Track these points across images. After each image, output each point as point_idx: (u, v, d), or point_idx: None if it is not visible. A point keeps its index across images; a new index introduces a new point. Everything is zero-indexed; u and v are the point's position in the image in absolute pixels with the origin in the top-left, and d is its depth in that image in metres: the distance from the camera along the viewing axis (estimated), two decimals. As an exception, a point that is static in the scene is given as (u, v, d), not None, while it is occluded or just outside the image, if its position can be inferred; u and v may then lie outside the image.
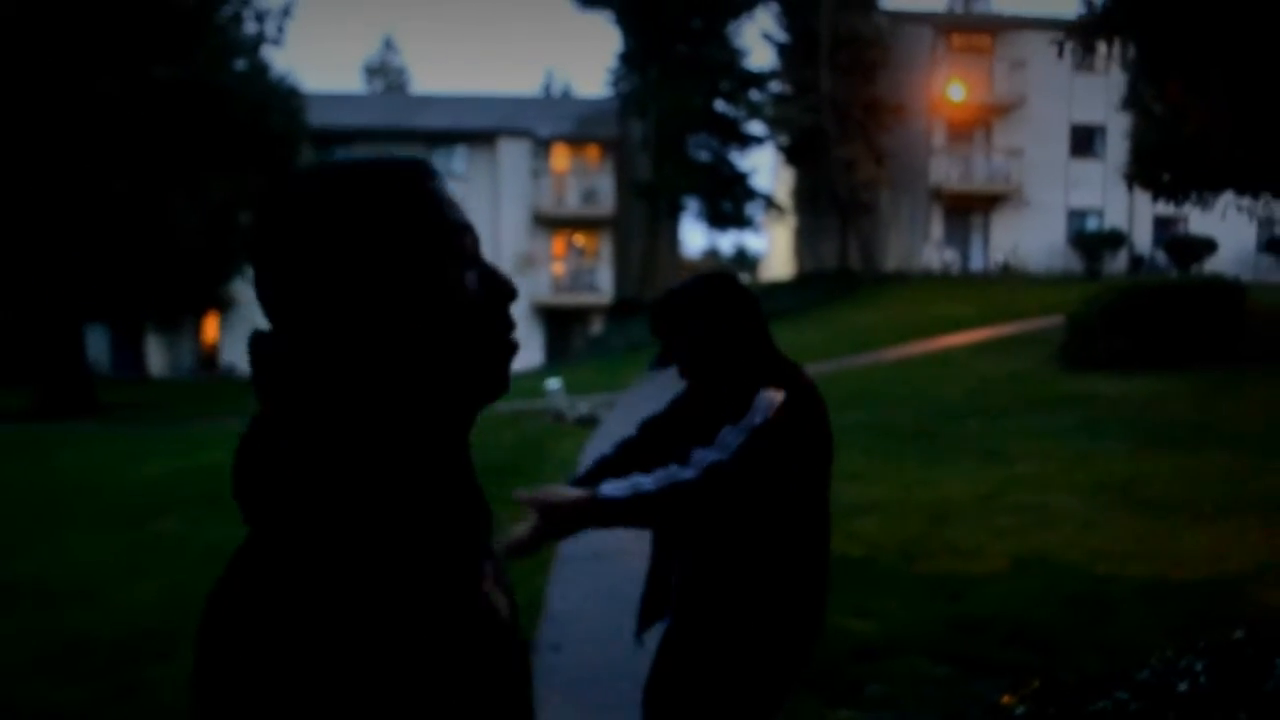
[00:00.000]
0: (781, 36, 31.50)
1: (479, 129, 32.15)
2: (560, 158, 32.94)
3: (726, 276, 2.39)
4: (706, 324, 2.27)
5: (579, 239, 33.22)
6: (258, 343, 0.87)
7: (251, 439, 0.85)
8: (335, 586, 0.76)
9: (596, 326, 31.76)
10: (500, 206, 31.76)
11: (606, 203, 32.32)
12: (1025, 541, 6.58)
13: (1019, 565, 6.08)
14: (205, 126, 16.05)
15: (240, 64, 18.95)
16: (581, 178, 32.63)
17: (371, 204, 0.85)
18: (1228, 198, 14.42)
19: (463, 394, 0.89)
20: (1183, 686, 2.97)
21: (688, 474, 2.04)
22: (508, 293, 0.91)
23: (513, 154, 32.04)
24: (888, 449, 9.99)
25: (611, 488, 2.00)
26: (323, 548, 0.78)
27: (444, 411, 0.88)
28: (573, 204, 32.38)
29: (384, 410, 0.84)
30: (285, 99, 20.04)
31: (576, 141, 33.01)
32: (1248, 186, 13.76)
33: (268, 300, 0.86)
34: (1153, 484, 8.05)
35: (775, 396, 2.15)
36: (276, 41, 19.92)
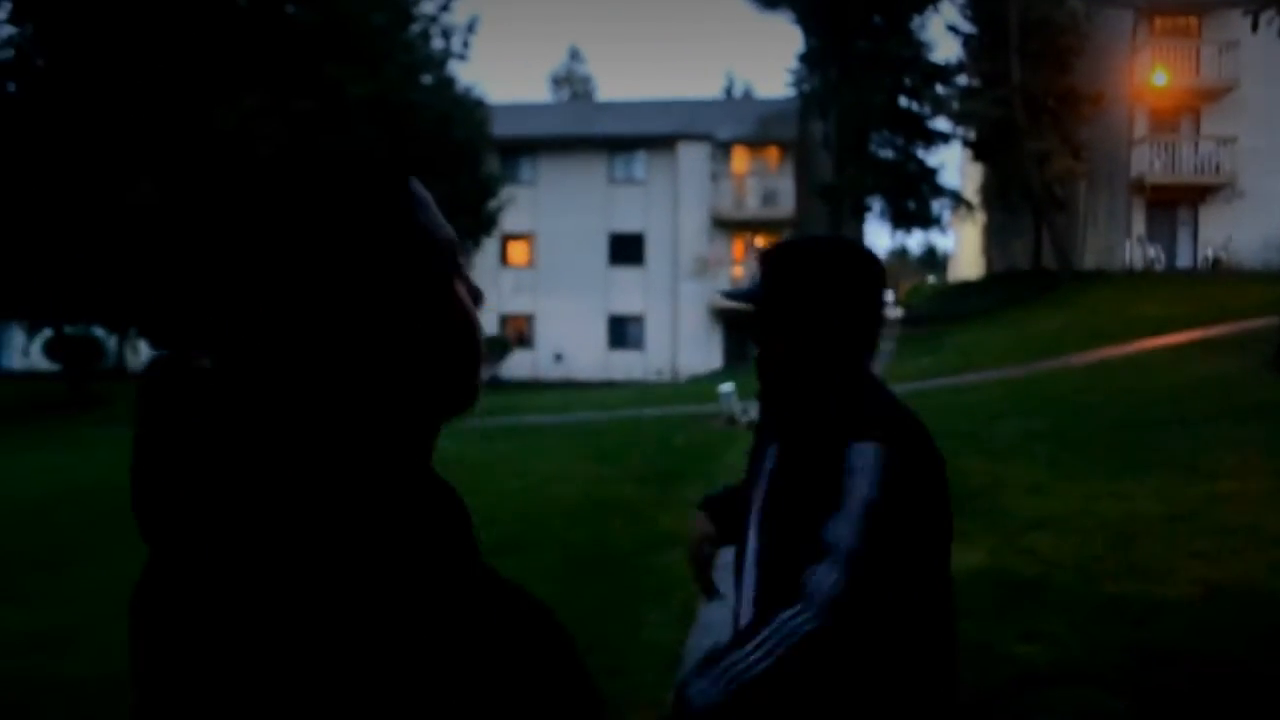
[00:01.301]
0: (967, 27, 30.43)
1: (658, 134, 32.41)
2: (740, 160, 32.83)
3: (863, 254, 1.88)
4: (809, 296, 1.80)
5: (759, 241, 33.01)
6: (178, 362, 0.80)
7: (177, 463, 0.76)
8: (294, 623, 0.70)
9: (776, 330, 31.44)
10: (679, 210, 31.92)
11: (787, 204, 31.99)
12: (1224, 566, 6.02)
13: (1215, 592, 5.55)
14: (393, 139, 16.75)
15: (427, 78, 19.69)
16: (761, 179, 32.41)
17: (385, 218, 0.81)
18: None
19: (444, 408, 0.85)
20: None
21: (803, 620, 1.58)
22: (477, 300, 0.89)
23: (692, 157, 32.14)
24: (1073, 460, 9.40)
25: (705, 683, 1.60)
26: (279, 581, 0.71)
27: (424, 429, 0.84)
28: (752, 206, 32.21)
29: (359, 424, 0.78)
30: (470, 111, 20.73)
31: (756, 143, 32.82)
32: None
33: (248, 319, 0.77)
34: (1376, 504, 7.27)
35: (874, 451, 1.67)
36: (462, 56, 20.69)
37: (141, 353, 26.57)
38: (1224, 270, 26.71)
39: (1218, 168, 27.76)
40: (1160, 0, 28.51)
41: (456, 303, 0.84)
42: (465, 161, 20.34)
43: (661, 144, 32.34)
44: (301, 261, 0.77)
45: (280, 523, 0.73)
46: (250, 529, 0.73)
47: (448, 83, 20.33)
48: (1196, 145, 28.05)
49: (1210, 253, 27.75)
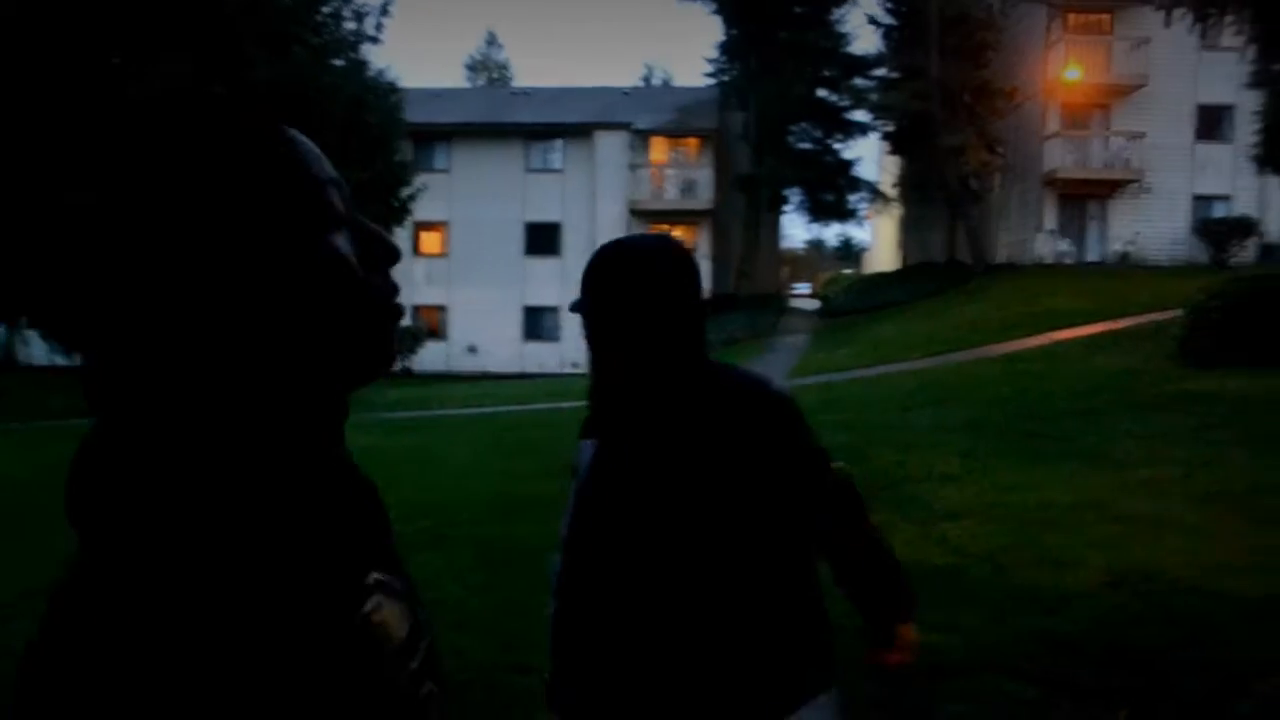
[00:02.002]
0: (887, 20, 30.79)
1: (576, 123, 32.15)
2: (658, 150, 32.71)
3: (678, 250, 1.91)
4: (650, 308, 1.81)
5: (677, 233, 32.95)
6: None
7: (91, 449, 0.75)
8: (187, 624, 0.66)
9: (695, 320, 31.47)
10: (597, 200, 31.71)
11: (705, 195, 31.97)
12: (1129, 553, 6.08)
13: (1120, 579, 5.60)
14: (303, 124, 16.23)
15: (339, 61, 19.17)
16: (680, 170, 32.33)
17: (222, 160, 0.75)
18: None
19: (337, 373, 0.80)
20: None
21: (549, 605, 1.94)
22: (388, 254, 0.83)
23: (610, 147, 31.93)
24: (985, 450, 9.49)
25: None
26: (172, 576, 0.68)
27: (316, 396, 0.79)
28: (671, 197, 32.11)
29: (243, 401, 0.74)
30: (383, 95, 20.25)
31: (675, 134, 32.74)
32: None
33: (96, 285, 0.74)
34: (1275, 493, 7.42)
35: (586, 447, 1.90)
36: (375, 39, 20.14)
37: (31, 344, 25.54)
38: (1131, 265, 27.42)
39: (1126, 163, 28.48)
40: (1075, -4, 29.10)
41: (327, 252, 0.78)
42: (378, 147, 19.85)
43: (579, 133, 32.07)
44: (156, 213, 0.73)
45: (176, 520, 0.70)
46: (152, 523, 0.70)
47: (360, 66, 19.80)
48: (1107, 141, 28.73)
49: (1118, 247, 28.48)
